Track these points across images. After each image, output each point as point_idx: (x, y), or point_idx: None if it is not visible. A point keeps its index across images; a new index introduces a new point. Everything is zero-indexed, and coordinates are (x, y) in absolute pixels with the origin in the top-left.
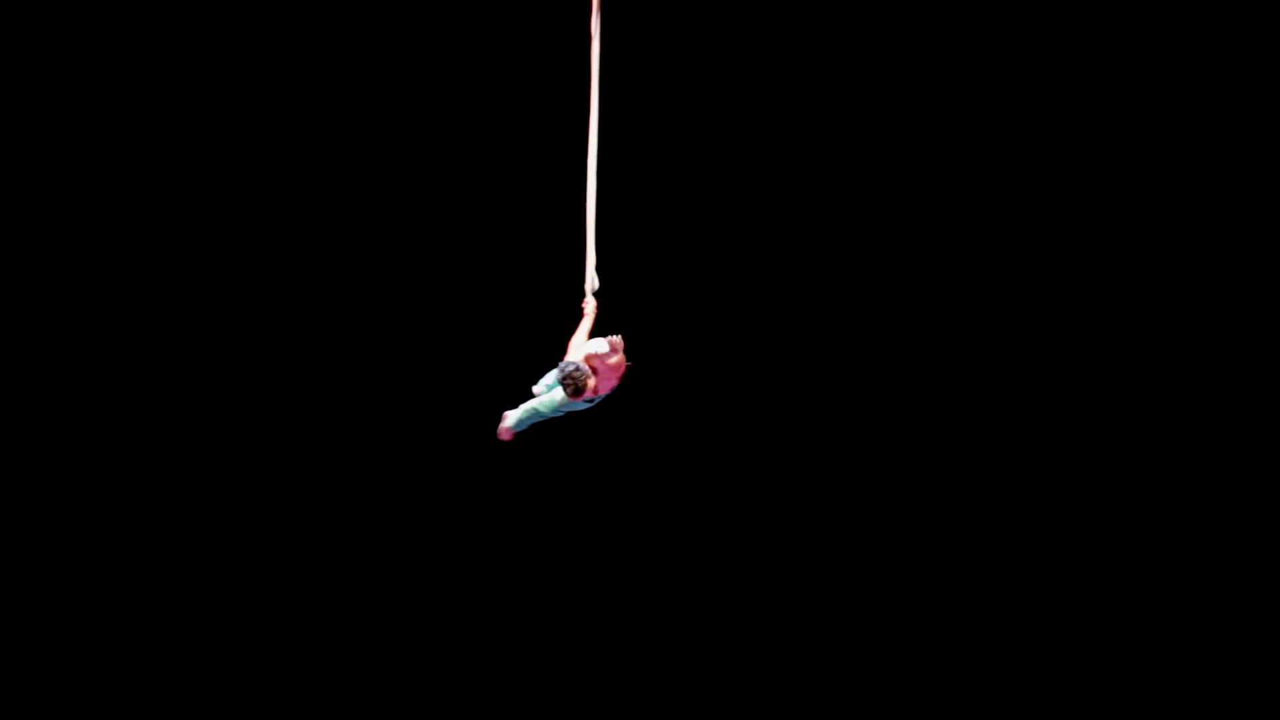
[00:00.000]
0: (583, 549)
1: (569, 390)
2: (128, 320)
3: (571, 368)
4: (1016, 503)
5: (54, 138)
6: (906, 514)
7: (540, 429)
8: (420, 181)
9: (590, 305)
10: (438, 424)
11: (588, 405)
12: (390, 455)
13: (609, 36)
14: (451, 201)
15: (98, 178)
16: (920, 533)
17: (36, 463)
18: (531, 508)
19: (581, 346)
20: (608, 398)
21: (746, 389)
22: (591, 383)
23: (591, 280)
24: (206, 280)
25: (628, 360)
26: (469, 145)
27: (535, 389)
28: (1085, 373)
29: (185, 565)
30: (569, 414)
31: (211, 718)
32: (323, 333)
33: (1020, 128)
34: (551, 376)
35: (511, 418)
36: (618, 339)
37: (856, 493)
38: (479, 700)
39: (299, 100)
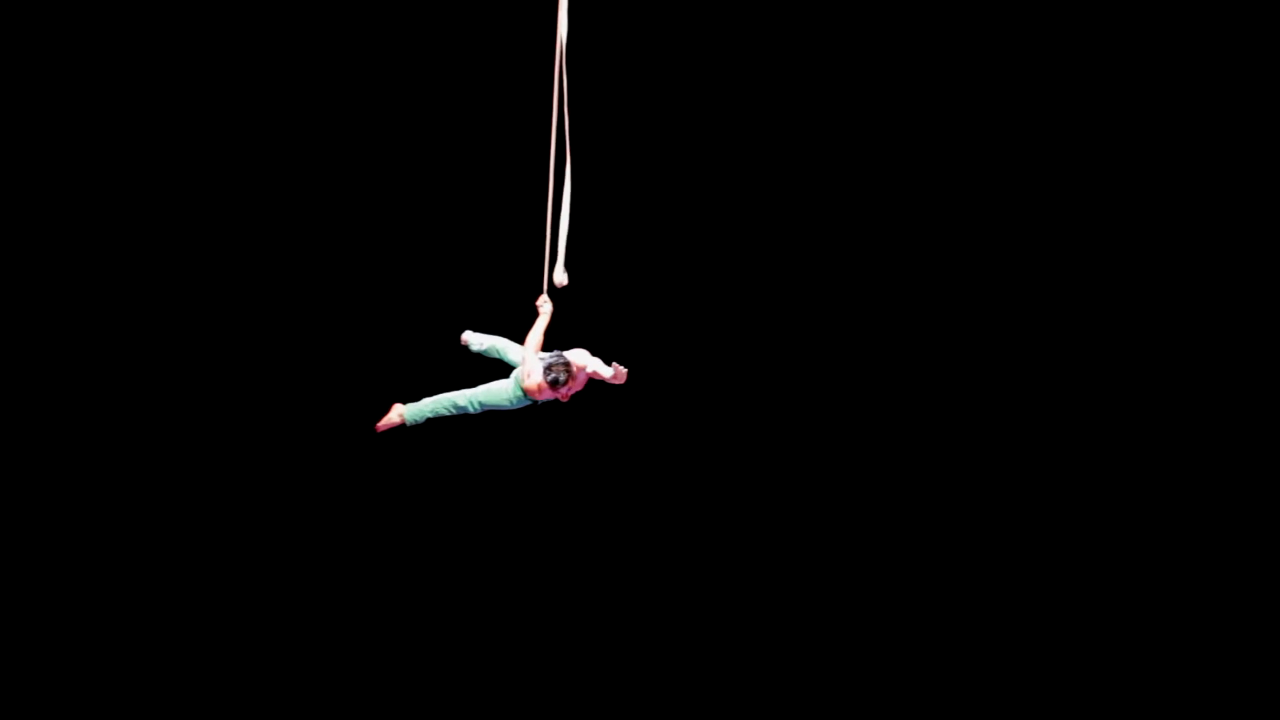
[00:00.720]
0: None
1: (548, 377)
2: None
3: (561, 363)
4: (1008, 499)
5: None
6: (886, 509)
7: (512, 423)
8: (377, 175)
9: (546, 305)
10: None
11: (521, 406)
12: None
13: (574, 28)
14: (406, 198)
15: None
16: (903, 528)
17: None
18: (500, 504)
19: (581, 356)
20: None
21: (717, 385)
22: (569, 386)
23: (560, 276)
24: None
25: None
26: (432, 139)
27: (469, 338)
28: (1072, 368)
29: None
30: (489, 411)
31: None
32: (273, 325)
33: (1001, 122)
34: (493, 342)
35: (408, 410)
36: (624, 372)
37: (834, 491)
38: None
39: (265, 92)
